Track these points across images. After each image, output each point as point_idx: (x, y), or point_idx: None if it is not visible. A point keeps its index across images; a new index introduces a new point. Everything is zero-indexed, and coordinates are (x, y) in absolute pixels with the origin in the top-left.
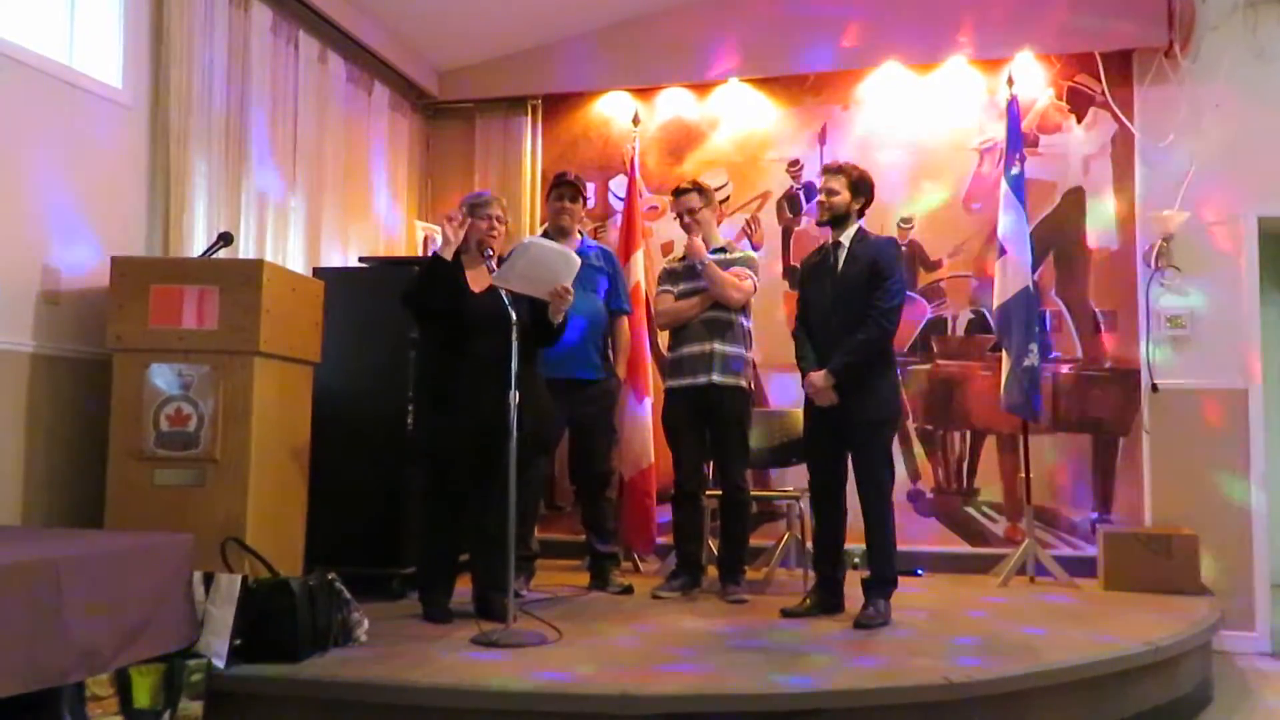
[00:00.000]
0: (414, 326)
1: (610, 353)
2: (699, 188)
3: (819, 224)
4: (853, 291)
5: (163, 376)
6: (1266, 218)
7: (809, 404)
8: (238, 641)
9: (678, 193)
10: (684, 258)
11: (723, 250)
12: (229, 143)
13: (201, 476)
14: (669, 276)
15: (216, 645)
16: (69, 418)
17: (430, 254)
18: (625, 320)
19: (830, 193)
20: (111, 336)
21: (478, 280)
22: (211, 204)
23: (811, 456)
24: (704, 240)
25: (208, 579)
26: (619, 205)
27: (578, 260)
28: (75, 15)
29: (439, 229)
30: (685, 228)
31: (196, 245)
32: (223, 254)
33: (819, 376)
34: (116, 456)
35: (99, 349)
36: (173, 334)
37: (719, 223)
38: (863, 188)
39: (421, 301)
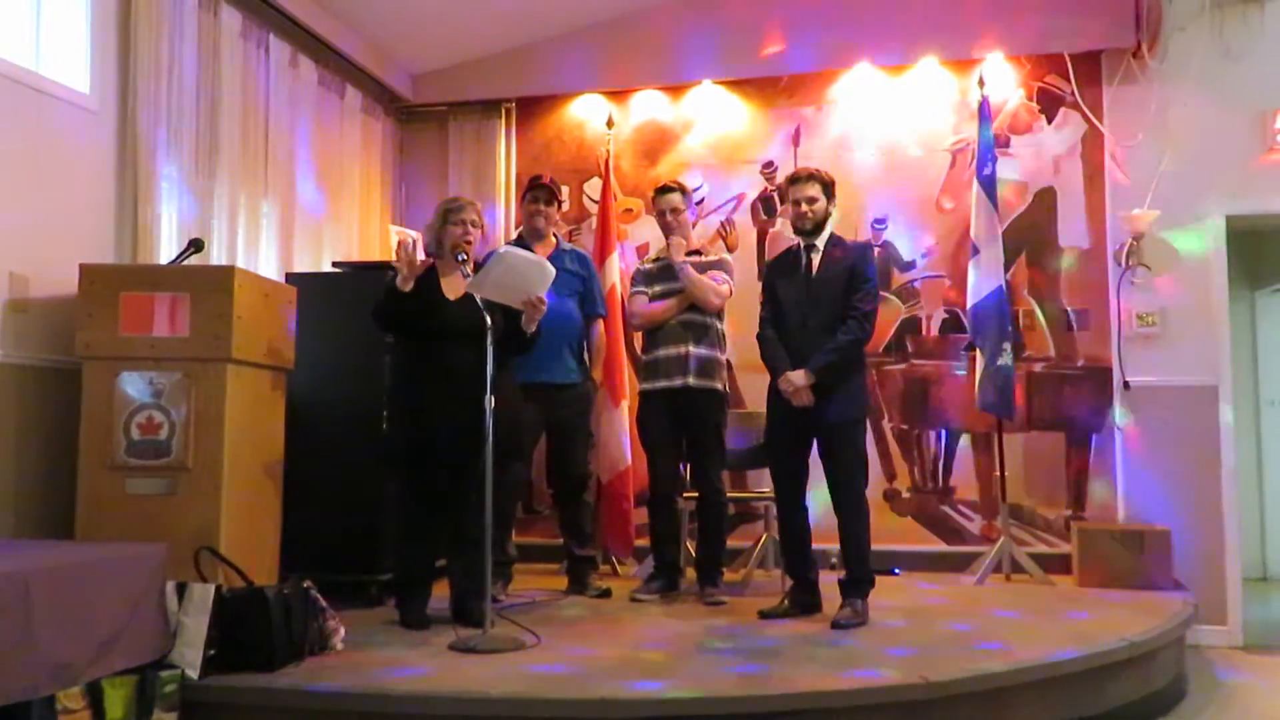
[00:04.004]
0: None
1: (586, 356)
2: (681, 188)
3: (802, 233)
4: (829, 294)
5: (133, 384)
6: (1234, 216)
7: (774, 404)
8: (212, 652)
9: (662, 190)
10: (658, 259)
11: (697, 253)
12: (199, 148)
13: (174, 485)
14: (644, 278)
15: (190, 656)
16: (38, 427)
17: (389, 275)
18: (600, 324)
19: (810, 201)
20: (81, 345)
21: (453, 287)
22: (181, 210)
23: (776, 457)
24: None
25: (181, 589)
26: (594, 208)
27: (552, 270)
28: (41, 20)
29: (412, 235)
30: (664, 227)
31: (166, 252)
32: (193, 260)
33: (799, 375)
34: (87, 466)
35: (68, 357)
36: (143, 341)
37: (694, 225)
38: (833, 190)
39: (389, 322)
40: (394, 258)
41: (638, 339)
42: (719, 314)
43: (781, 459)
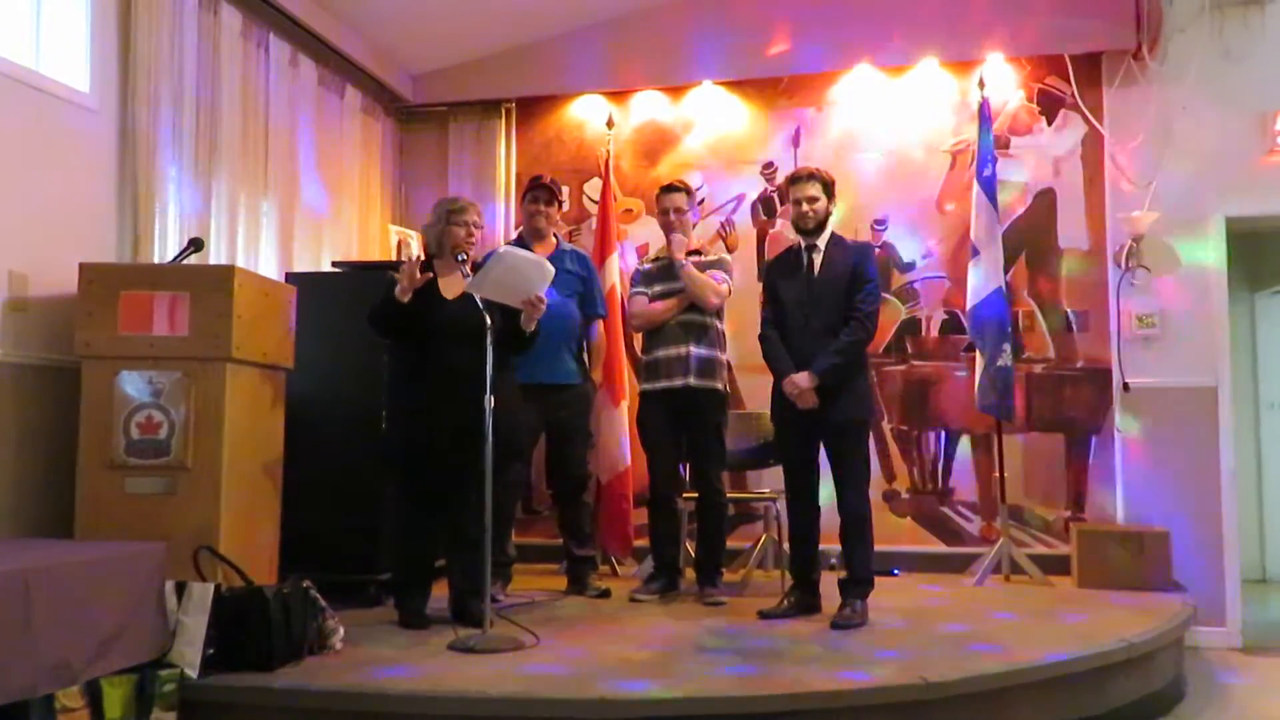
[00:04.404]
0: None
1: (585, 357)
2: (686, 188)
3: (803, 232)
4: (832, 294)
5: (133, 384)
6: (1234, 218)
7: (779, 405)
8: (211, 651)
9: (667, 189)
10: (658, 259)
11: (697, 253)
12: (199, 147)
13: (173, 484)
14: (644, 278)
15: (189, 655)
16: (37, 426)
17: (390, 272)
18: (600, 324)
19: (812, 200)
20: (80, 344)
21: (451, 287)
22: (181, 209)
23: (786, 458)
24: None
25: (180, 588)
26: (594, 208)
27: (551, 270)
28: (41, 19)
29: (413, 239)
30: (665, 226)
31: (167, 251)
32: (193, 259)
33: (803, 377)
34: (86, 465)
35: (68, 356)
36: (143, 341)
37: (695, 225)
38: (833, 190)
39: (386, 327)
40: (400, 264)
41: (637, 339)
42: (719, 314)
43: (792, 455)
